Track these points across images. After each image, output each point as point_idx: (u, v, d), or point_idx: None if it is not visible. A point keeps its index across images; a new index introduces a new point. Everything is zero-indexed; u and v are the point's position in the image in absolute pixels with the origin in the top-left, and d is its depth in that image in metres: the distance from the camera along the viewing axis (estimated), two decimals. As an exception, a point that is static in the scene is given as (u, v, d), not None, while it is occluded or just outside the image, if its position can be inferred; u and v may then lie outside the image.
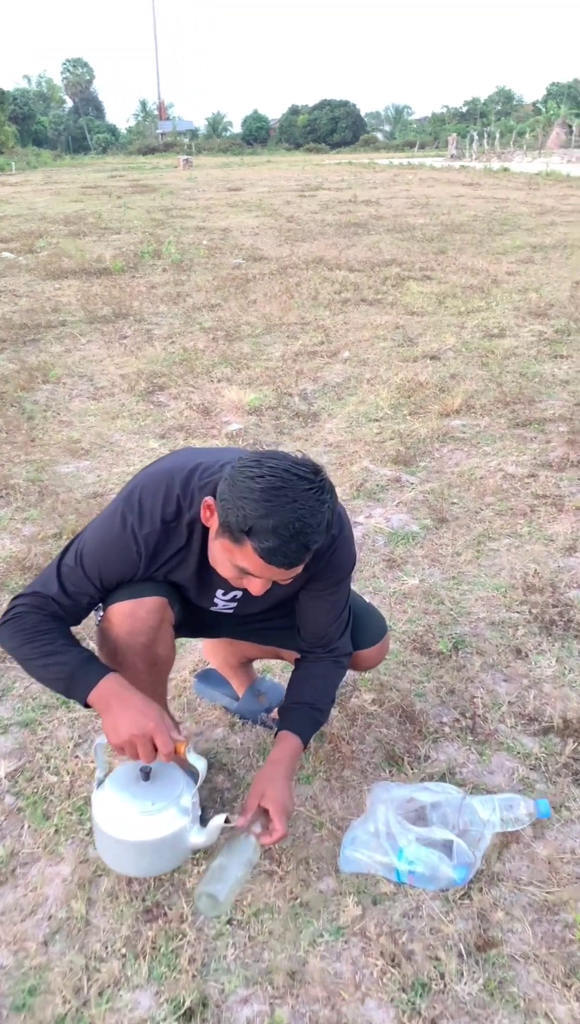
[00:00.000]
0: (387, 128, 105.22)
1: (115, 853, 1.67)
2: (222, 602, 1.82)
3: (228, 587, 1.77)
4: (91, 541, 1.70)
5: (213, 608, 1.85)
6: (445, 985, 1.52)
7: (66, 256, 9.69)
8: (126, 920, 1.66)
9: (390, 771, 2.03)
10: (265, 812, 1.70)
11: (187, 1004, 1.49)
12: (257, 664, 2.45)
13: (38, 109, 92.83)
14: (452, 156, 41.96)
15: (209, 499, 1.58)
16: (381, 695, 2.30)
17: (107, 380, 5.16)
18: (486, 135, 47.81)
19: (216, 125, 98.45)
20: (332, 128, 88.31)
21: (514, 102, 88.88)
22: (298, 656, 1.95)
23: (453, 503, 3.44)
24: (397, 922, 1.65)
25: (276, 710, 2.23)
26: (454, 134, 48.89)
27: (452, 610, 2.70)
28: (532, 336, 5.95)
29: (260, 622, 2.02)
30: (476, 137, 45.06)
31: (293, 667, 1.95)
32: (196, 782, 1.68)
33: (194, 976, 1.55)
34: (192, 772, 1.72)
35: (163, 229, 12.29)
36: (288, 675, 1.96)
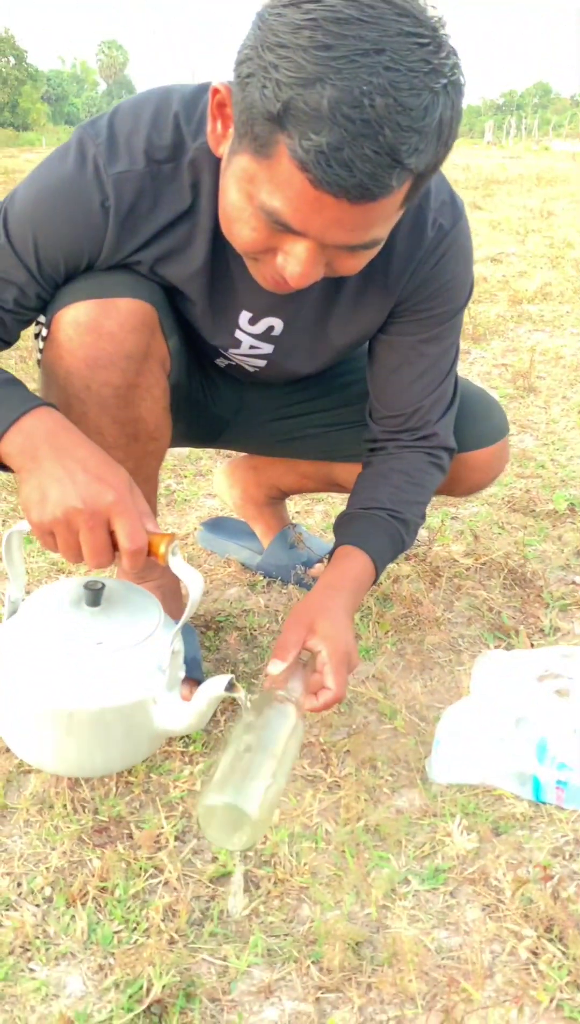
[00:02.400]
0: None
1: (30, 733, 0.92)
2: (249, 338, 1.09)
3: (258, 303, 1.05)
4: (25, 192, 0.97)
5: (235, 354, 1.12)
6: None
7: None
8: (60, 841, 0.94)
9: (497, 646, 1.31)
10: (308, 661, 0.97)
11: (155, 993, 0.77)
12: (291, 510, 1.72)
13: (71, 91, 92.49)
14: (489, 143, 41.03)
15: (220, 83, 0.85)
16: (476, 548, 1.56)
17: None
18: (524, 125, 46.79)
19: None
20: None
21: (552, 95, 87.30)
22: (366, 458, 1.21)
23: (540, 377, 2.70)
24: (545, 864, 0.92)
25: (318, 564, 1.49)
26: (491, 120, 47.87)
27: (558, 473, 1.96)
28: (605, 249, 5.18)
29: (311, 400, 1.29)
30: (514, 124, 44.06)
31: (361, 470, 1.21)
32: (180, 617, 0.93)
33: (172, 942, 0.83)
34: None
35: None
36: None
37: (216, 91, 0.83)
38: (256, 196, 0.80)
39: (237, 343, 1.10)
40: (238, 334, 1.08)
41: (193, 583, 0.86)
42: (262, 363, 1.14)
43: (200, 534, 1.62)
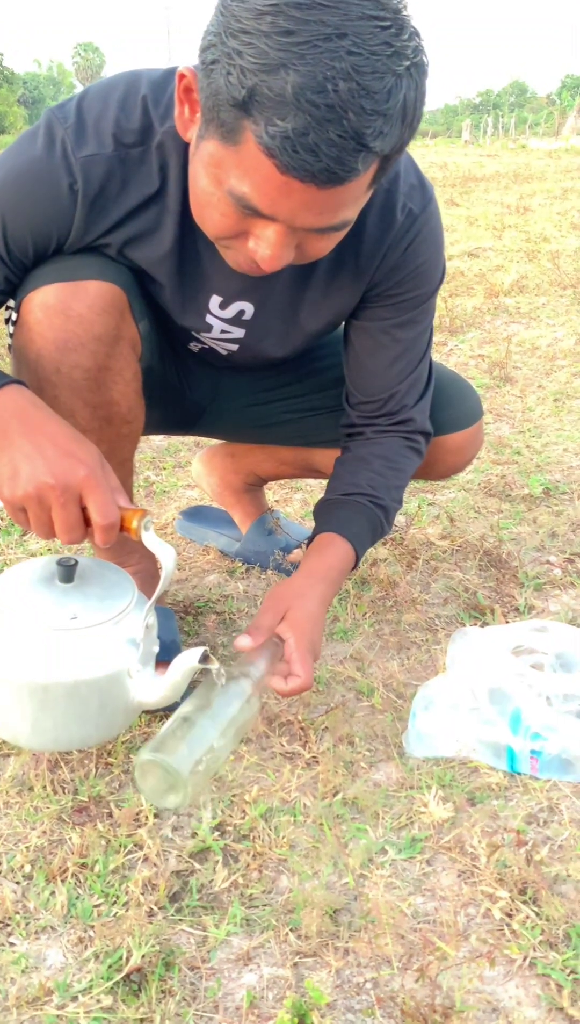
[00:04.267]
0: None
1: (6, 708, 0.91)
2: (220, 323, 1.10)
3: (228, 287, 1.06)
4: None
5: (207, 337, 1.13)
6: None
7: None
8: (40, 821, 0.95)
9: (473, 624, 1.32)
10: (278, 644, 0.98)
11: (133, 962, 0.77)
12: (269, 498, 1.73)
13: (48, 93, 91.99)
14: (466, 142, 41.18)
15: (186, 68, 0.85)
16: (452, 531, 1.58)
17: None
18: (501, 124, 46.99)
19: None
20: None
21: (528, 94, 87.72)
22: (344, 443, 1.22)
23: (516, 367, 2.72)
24: (520, 830, 0.93)
25: (298, 549, 1.51)
26: (468, 120, 48.04)
27: (533, 459, 1.98)
28: (581, 243, 5.23)
29: (287, 385, 1.30)
30: (491, 123, 44.24)
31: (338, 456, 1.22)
32: (153, 592, 0.94)
33: (151, 913, 0.84)
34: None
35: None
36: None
37: (182, 76, 0.84)
38: (225, 181, 0.81)
39: (208, 327, 1.10)
40: (209, 318, 1.09)
41: (166, 557, 0.86)
42: (234, 347, 1.15)
43: (179, 522, 1.63)
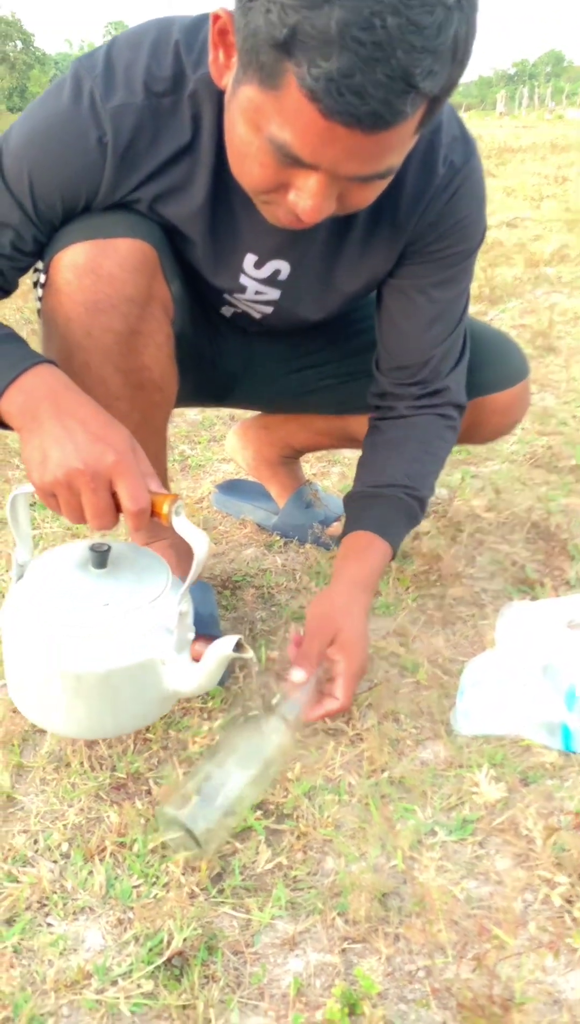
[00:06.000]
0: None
1: (37, 693, 0.90)
2: (254, 283, 1.05)
3: (264, 245, 1.01)
4: (19, 130, 0.93)
5: (241, 299, 1.08)
6: None
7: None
8: (77, 798, 0.92)
9: (522, 599, 1.27)
10: (320, 672, 0.97)
11: (175, 945, 0.74)
12: (307, 472, 1.69)
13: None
14: (501, 114, 40.40)
15: (221, 9, 0.80)
16: (497, 503, 1.52)
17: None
18: (536, 95, 46.03)
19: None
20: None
21: (564, 63, 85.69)
22: (374, 416, 1.18)
23: (559, 337, 2.64)
24: (578, 811, 0.88)
25: (337, 523, 1.46)
26: (503, 91, 47.12)
27: (580, 430, 1.92)
28: (623, 212, 5.07)
29: (322, 350, 1.25)
30: (527, 94, 43.34)
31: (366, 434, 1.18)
32: (187, 577, 0.90)
33: (193, 895, 0.81)
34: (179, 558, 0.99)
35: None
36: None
37: (217, 17, 0.78)
38: (264, 129, 0.76)
39: (242, 288, 1.06)
40: (243, 279, 1.04)
41: (198, 543, 0.83)
42: (269, 310, 1.10)
43: (215, 496, 1.59)
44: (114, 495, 0.81)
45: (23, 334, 0.91)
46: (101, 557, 0.90)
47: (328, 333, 1.23)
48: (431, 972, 0.72)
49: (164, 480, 1.17)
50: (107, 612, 0.87)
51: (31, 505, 1.56)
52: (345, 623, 0.98)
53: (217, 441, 1.92)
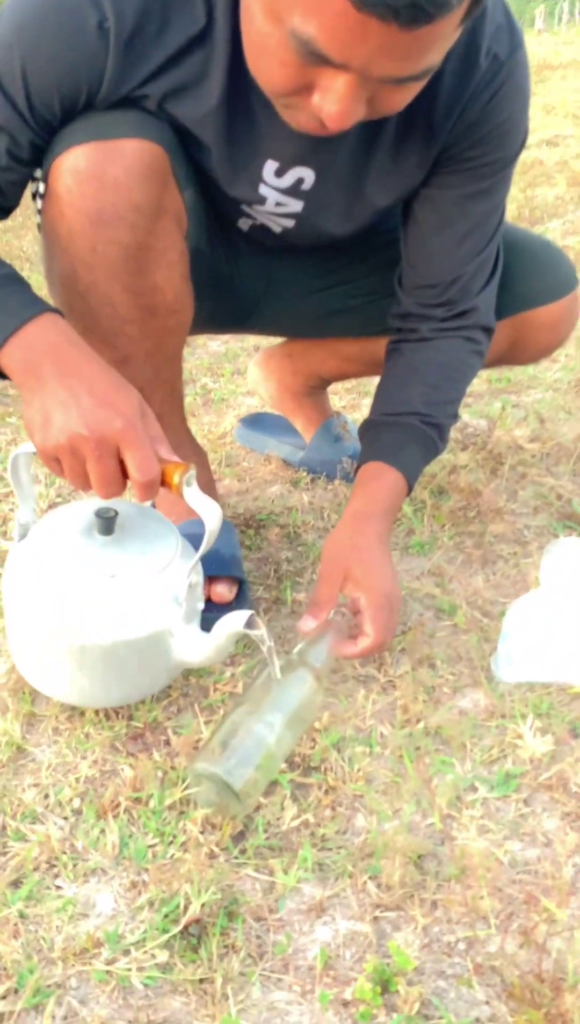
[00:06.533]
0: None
1: (43, 665, 0.85)
2: (275, 194, 0.94)
3: (286, 151, 0.90)
4: (10, 15, 0.82)
5: (260, 211, 0.98)
6: None
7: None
8: (91, 750, 0.86)
9: (568, 535, 1.18)
10: (343, 613, 0.91)
11: (192, 911, 0.68)
12: (335, 405, 1.59)
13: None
14: (540, 31, 38.51)
15: None
16: (541, 433, 1.42)
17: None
18: (577, 10, 43.74)
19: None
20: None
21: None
22: (394, 338, 1.09)
23: (603, 258, 2.48)
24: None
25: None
26: (541, 6, 44.85)
27: (629, 355, 1.79)
28: None
29: (349, 266, 1.14)
30: (567, 9, 41.18)
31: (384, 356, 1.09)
32: (198, 547, 0.84)
33: (211, 855, 0.75)
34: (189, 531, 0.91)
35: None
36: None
37: None
38: (286, 21, 0.66)
39: (261, 199, 0.95)
40: (263, 188, 0.94)
41: (209, 514, 0.77)
42: (290, 223, 1.00)
43: (238, 431, 1.50)
44: (122, 462, 0.75)
45: (23, 273, 0.83)
46: (107, 523, 0.84)
47: (355, 248, 1.12)
48: (473, 944, 0.66)
49: (181, 417, 1.09)
50: (113, 583, 0.81)
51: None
52: (354, 557, 0.93)
53: (241, 374, 1.82)
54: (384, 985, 0.61)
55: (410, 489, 1.01)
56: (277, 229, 1.01)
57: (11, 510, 1.26)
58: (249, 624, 0.78)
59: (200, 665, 0.85)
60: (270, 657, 0.80)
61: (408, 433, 1.01)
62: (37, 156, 0.87)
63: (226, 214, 1.02)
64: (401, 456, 1.00)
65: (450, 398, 1.05)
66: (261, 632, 0.78)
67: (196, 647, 0.83)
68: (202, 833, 0.76)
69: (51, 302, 0.88)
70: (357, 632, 0.90)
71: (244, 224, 1.04)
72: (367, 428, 1.05)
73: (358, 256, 1.14)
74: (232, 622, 0.79)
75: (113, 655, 0.81)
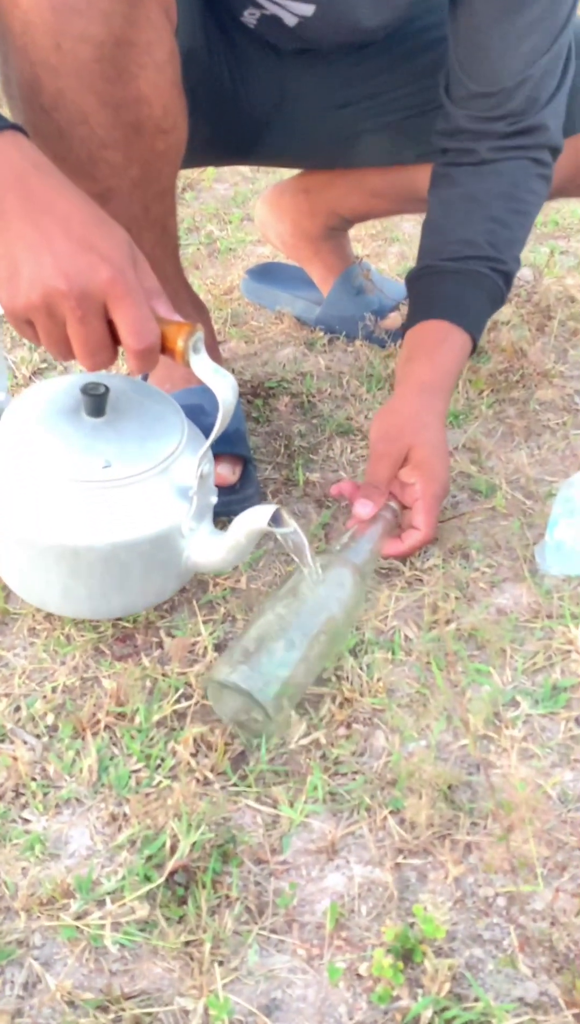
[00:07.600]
0: None
1: (29, 573, 0.72)
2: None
3: None
4: None
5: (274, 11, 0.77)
6: None
7: None
8: (71, 654, 0.75)
9: (628, 403, 1.02)
10: (393, 508, 0.81)
11: (179, 855, 0.57)
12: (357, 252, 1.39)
13: None
14: None
15: None
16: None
17: None
18: None
19: None
20: None
21: None
22: (442, 161, 0.90)
23: None
24: None
25: (394, 313, 1.19)
26: None
27: None
28: None
29: (380, 73, 0.95)
30: None
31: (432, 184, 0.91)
32: (199, 421, 0.74)
33: (205, 783, 0.64)
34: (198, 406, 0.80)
35: None
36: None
37: None
38: None
39: None
40: None
41: (222, 387, 0.65)
42: (308, 10, 0.80)
43: (245, 283, 1.32)
44: (111, 323, 0.60)
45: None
46: (97, 402, 0.70)
47: (384, 52, 0.92)
48: (514, 901, 0.55)
49: (177, 265, 0.91)
50: (108, 474, 0.68)
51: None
52: (418, 438, 0.81)
53: (251, 220, 1.61)
54: (406, 956, 0.50)
55: (476, 343, 0.88)
56: (291, 21, 0.82)
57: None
58: (275, 520, 0.65)
59: (215, 570, 0.74)
60: (305, 557, 0.68)
61: (474, 282, 0.87)
62: None
63: (228, 4, 0.82)
64: (470, 313, 0.87)
65: (517, 236, 0.90)
66: (291, 529, 0.65)
67: (210, 549, 0.71)
68: (194, 756, 0.65)
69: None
70: (405, 524, 0.80)
71: (250, 17, 0.84)
72: (421, 277, 0.90)
73: (389, 62, 0.94)
74: (253, 518, 0.66)
75: (113, 560, 0.69)
